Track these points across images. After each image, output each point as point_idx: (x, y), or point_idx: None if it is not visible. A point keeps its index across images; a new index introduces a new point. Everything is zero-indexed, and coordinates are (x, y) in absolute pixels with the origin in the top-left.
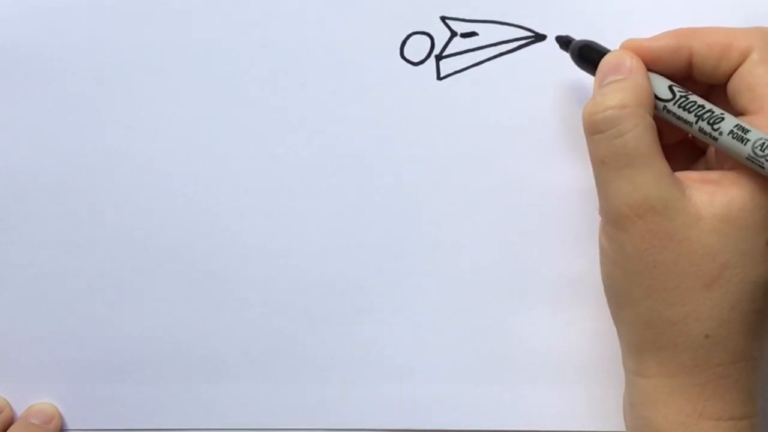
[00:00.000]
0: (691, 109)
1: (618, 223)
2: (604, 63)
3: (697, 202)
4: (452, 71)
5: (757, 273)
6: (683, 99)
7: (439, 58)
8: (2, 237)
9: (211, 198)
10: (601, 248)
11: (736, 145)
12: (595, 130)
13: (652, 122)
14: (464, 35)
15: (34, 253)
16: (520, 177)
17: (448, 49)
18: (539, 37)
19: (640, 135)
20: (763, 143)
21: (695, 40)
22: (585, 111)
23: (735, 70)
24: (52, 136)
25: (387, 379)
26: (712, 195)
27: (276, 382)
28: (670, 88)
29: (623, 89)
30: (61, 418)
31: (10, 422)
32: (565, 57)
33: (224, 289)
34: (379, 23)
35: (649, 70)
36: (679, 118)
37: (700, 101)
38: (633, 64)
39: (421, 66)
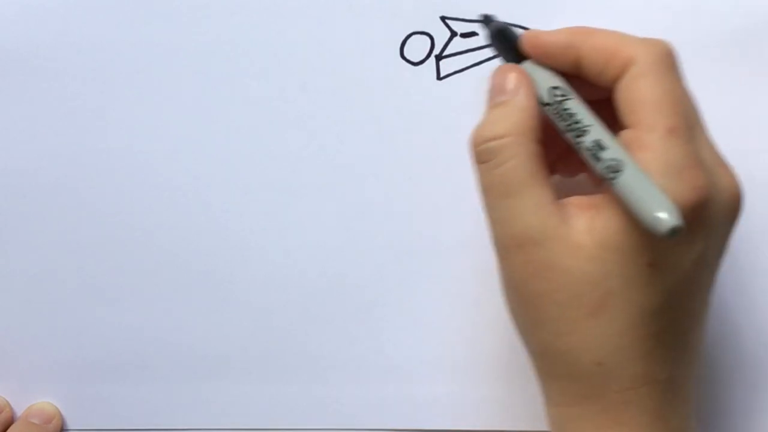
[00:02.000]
0: (563, 117)
1: (501, 253)
2: (491, 80)
3: (578, 230)
4: (452, 71)
5: (644, 297)
6: (559, 105)
7: (439, 58)
8: (2, 237)
9: (211, 198)
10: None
11: (593, 162)
12: (478, 160)
13: (534, 149)
14: (464, 35)
15: (34, 253)
16: None
17: (448, 49)
18: None
19: (519, 165)
20: (613, 165)
21: (586, 42)
22: (470, 140)
23: (618, 79)
24: (52, 136)
25: (387, 379)
26: (592, 220)
27: (276, 382)
28: (553, 90)
29: (504, 117)
30: (61, 418)
31: (10, 422)
32: None
33: (224, 289)
34: (379, 23)
35: (546, 64)
36: (557, 124)
37: (575, 108)
38: (516, 82)
39: (421, 66)
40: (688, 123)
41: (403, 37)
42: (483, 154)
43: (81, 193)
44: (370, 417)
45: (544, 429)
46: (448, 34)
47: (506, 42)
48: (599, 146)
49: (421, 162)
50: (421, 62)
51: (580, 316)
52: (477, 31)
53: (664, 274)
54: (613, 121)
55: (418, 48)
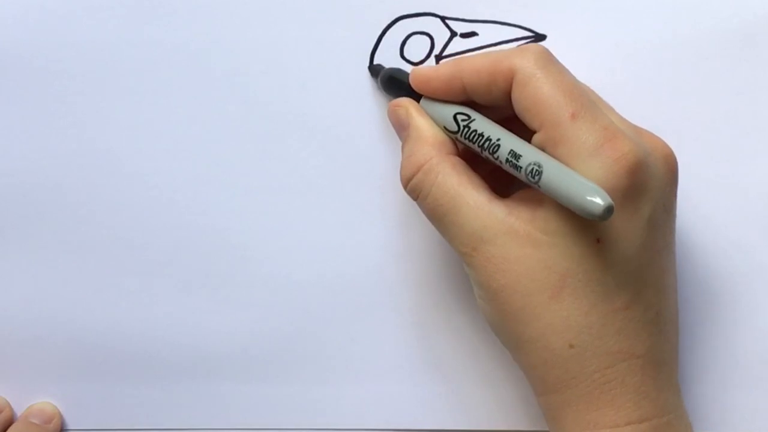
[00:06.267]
0: (473, 139)
1: (464, 260)
2: (392, 119)
3: (522, 221)
4: None
5: (600, 273)
6: (466, 129)
7: (439, 58)
8: (2, 237)
9: (211, 198)
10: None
11: (515, 172)
12: (411, 197)
13: (451, 164)
14: (464, 35)
15: (34, 253)
16: None
17: (448, 49)
18: (539, 37)
19: (442, 186)
20: (533, 170)
21: (466, 68)
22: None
23: (508, 93)
24: (51, 136)
25: (387, 379)
26: (534, 211)
27: (276, 382)
28: (455, 117)
29: (411, 152)
30: (61, 418)
31: (10, 422)
32: (565, 56)
33: (224, 289)
34: (379, 23)
35: (440, 99)
36: (473, 148)
37: (481, 128)
38: (405, 114)
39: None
40: (588, 104)
41: (403, 37)
42: (412, 193)
43: (81, 193)
44: (370, 417)
45: (545, 429)
46: (448, 34)
47: (398, 86)
48: (515, 155)
49: None
50: (421, 62)
51: (543, 301)
52: (477, 31)
53: (616, 246)
54: (526, 132)
55: (418, 48)
